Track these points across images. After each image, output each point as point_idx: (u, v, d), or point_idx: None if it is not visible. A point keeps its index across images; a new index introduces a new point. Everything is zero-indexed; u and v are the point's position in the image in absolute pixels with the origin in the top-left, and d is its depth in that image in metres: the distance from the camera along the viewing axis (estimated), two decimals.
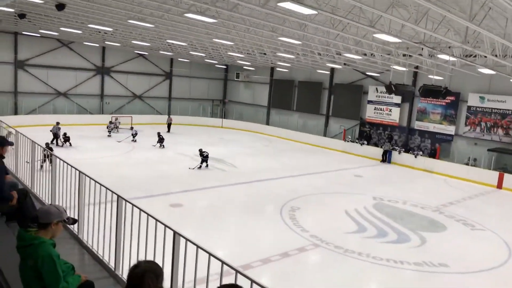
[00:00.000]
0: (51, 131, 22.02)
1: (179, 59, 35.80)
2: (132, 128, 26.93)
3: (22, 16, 16.86)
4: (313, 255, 10.80)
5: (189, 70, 37.63)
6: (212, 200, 14.87)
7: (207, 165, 19.34)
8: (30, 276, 2.96)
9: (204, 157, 19.23)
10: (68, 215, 3.32)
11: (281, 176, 19.03)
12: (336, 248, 10.96)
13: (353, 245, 11.31)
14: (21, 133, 7.13)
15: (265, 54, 24.70)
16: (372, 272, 9.94)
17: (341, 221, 13.31)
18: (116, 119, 29.82)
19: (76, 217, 5.21)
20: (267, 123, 35.47)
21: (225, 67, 39.02)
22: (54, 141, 21.58)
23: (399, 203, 16.06)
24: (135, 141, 24.99)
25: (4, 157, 4.85)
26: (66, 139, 21.99)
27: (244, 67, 36.48)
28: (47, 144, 16.89)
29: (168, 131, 30.14)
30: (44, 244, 2.99)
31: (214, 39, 19.64)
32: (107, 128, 27.58)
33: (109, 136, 26.69)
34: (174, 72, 37.25)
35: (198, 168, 18.95)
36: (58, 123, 22.59)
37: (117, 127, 28.86)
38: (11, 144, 5.25)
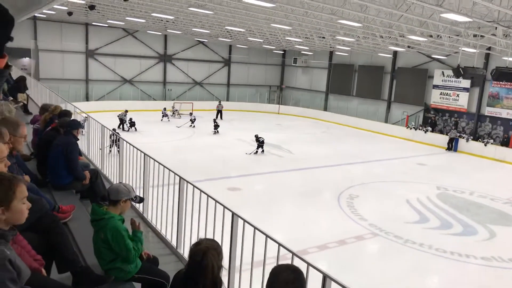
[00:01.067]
0: (118, 116, 23.37)
1: (238, 45, 36.11)
2: (191, 114, 27.71)
3: (92, 7, 17.85)
4: (371, 244, 10.58)
5: (247, 56, 37.86)
6: (269, 185, 15.01)
7: (262, 151, 19.50)
8: (101, 247, 3.20)
9: (260, 143, 19.41)
10: (135, 196, 3.50)
11: (339, 163, 18.71)
12: (395, 238, 10.64)
13: (414, 235, 10.90)
14: (92, 118, 7.63)
15: (323, 38, 24.17)
16: (434, 264, 9.54)
17: (402, 211, 12.86)
18: (173, 106, 30.87)
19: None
20: (325, 109, 34.87)
21: (282, 52, 38.76)
22: (121, 126, 22.88)
23: (466, 193, 15.17)
24: (194, 126, 25.77)
25: (78, 139, 5.23)
26: (132, 124, 23.21)
27: (302, 52, 35.98)
28: (114, 129, 17.79)
29: (217, 117, 30.12)
30: (113, 219, 3.21)
31: (272, 24, 19.54)
32: (163, 113, 28.26)
33: (168, 120, 27.74)
34: (233, 59, 37.67)
35: (254, 153, 19.19)
36: (126, 111, 24.03)
37: (178, 113, 29.94)
38: (83, 127, 5.64)
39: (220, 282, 2.62)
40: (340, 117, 31.72)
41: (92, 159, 7.63)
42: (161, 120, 27.77)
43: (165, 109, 29.02)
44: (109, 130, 7.16)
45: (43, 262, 2.61)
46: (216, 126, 24.50)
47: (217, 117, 30.10)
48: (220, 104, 31.66)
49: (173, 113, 29.72)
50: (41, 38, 28.63)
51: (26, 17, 23.43)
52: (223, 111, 31.02)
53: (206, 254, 2.49)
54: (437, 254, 9.88)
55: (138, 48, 32.89)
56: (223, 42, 34.76)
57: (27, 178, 4.15)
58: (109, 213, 3.21)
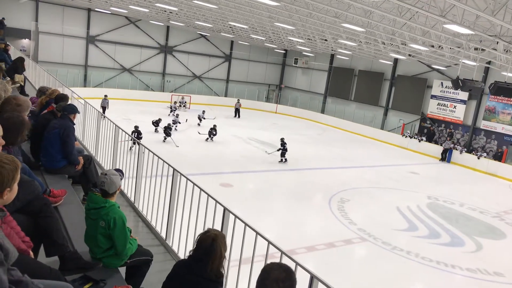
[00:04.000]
0: (101, 105, 22.59)
1: (239, 41, 36.04)
2: (204, 112, 25.48)
3: None
4: (359, 249, 10.63)
5: (248, 53, 37.82)
6: (261, 184, 15.03)
7: (286, 160, 18.02)
8: (100, 234, 3.19)
9: (284, 149, 17.91)
10: (120, 176, 3.47)
11: (333, 166, 18.77)
12: (383, 244, 10.70)
13: (402, 243, 10.97)
14: (89, 104, 7.60)
15: (326, 40, 24.20)
16: (420, 273, 9.62)
17: (392, 218, 12.93)
18: (182, 98, 30.77)
19: (134, 187, 5.52)
20: (322, 112, 34.93)
21: (284, 52, 38.75)
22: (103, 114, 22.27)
23: (456, 205, 15.29)
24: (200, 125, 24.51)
25: (74, 124, 5.20)
26: (157, 123, 21.26)
27: (303, 53, 36.00)
28: (136, 127, 17.10)
29: (235, 116, 30.06)
30: (114, 207, 3.22)
31: (275, 23, 19.53)
32: (172, 107, 27.20)
33: (173, 114, 25.08)
34: (234, 55, 37.61)
35: (280, 160, 18.01)
36: (106, 96, 23.55)
37: (184, 106, 29.85)
38: (79, 112, 5.60)
39: (222, 272, 2.71)
40: (337, 121, 31.80)
41: (86, 145, 7.60)
42: (169, 114, 25.97)
43: (175, 102, 28.82)
44: (108, 119, 7.12)
45: (32, 244, 2.60)
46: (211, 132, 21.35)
47: (235, 115, 29.95)
48: (238, 102, 31.41)
49: (180, 105, 29.60)
50: (42, 20, 28.39)
51: None
52: (240, 109, 30.85)
53: (215, 239, 2.63)
54: (423, 263, 9.95)
55: (140, 37, 32.73)
56: (225, 38, 34.68)
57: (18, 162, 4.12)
58: (109, 202, 3.22)
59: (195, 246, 2.74)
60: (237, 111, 30.74)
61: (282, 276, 2.09)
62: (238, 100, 32.06)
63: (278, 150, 18.33)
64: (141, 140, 15.45)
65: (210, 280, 2.62)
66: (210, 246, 2.61)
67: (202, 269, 2.61)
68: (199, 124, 24.21)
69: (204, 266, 2.61)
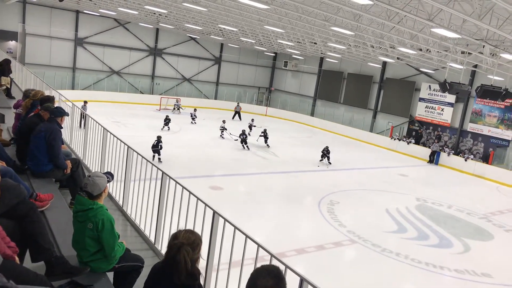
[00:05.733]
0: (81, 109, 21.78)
1: (229, 44, 36.05)
2: (195, 110, 26.96)
3: None
4: (349, 251, 10.67)
5: (238, 56, 37.83)
6: (251, 187, 15.01)
7: (330, 163, 19.39)
8: (87, 237, 3.15)
9: (327, 154, 19.35)
10: (108, 178, 3.43)
11: (322, 169, 18.84)
12: (373, 246, 10.75)
13: (392, 245, 11.04)
14: (77, 107, 7.52)
15: (315, 43, 24.34)
16: (409, 274, 9.69)
17: (381, 220, 13.01)
18: (177, 100, 30.70)
19: (122, 191, 5.46)
20: (312, 114, 35.07)
21: (273, 55, 38.85)
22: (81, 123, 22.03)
23: (444, 206, 15.44)
24: (195, 123, 25.94)
25: (62, 127, 5.13)
26: (167, 122, 22.97)
27: (293, 56, 36.15)
28: (159, 137, 16.42)
29: (233, 118, 29.94)
30: (101, 208, 3.19)
31: (265, 26, 19.58)
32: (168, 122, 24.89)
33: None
34: (223, 58, 37.59)
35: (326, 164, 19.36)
36: (86, 102, 21.47)
37: (179, 108, 29.79)
38: (67, 114, 5.54)
39: (197, 272, 2.68)
40: (327, 123, 31.95)
41: (74, 149, 7.51)
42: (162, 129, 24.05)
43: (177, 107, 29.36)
44: (98, 123, 7.05)
45: (17, 250, 2.55)
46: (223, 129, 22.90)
47: (233, 117, 29.88)
48: (238, 105, 31.77)
49: (175, 108, 29.54)
50: (29, 22, 28.05)
51: (16, 0, 22.99)
52: (241, 112, 31.13)
53: (179, 250, 2.58)
54: (412, 264, 10.02)
55: (129, 39, 32.53)
56: (215, 40, 34.67)
57: (2, 163, 4.06)
58: (97, 203, 3.18)
59: (166, 249, 2.72)
60: (237, 113, 30.96)
61: (270, 284, 1.98)
62: (238, 103, 32.41)
63: (322, 158, 19.37)
64: (161, 150, 16.08)
65: (183, 285, 2.61)
66: (175, 256, 2.58)
67: (173, 275, 2.60)
68: (249, 133, 23.23)
69: (171, 277, 2.60)
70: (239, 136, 20.67)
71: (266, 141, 21.97)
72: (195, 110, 26.97)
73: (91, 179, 3.19)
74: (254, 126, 25.37)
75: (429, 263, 10.20)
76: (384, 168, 21.16)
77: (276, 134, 26.54)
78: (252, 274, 2.05)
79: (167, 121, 23.25)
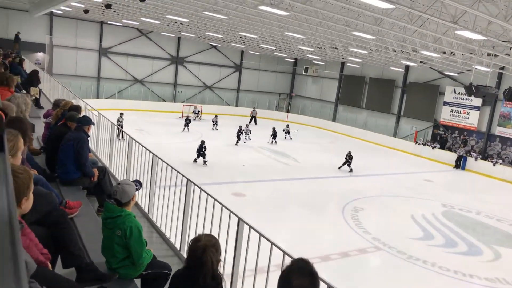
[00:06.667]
0: (118, 124, 21.63)
1: (250, 51, 36.26)
2: (216, 117, 27.61)
3: (108, 6, 18.05)
4: (374, 258, 10.49)
5: (258, 63, 37.99)
6: (274, 193, 14.96)
7: (351, 170, 19.06)
8: (116, 244, 3.21)
9: (350, 160, 19.04)
10: (137, 186, 3.47)
11: (345, 175, 18.64)
12: (398, 253, 10.53)
13: (418, 252, 10.78)
14: (103, 116, 7.68)
15: (336, 48, 24.20)
16: (437, 283, 9.43)
17: (406, 226, 12.75)
18: (195, 108, 31.09)
19: (147, 197, 5.53)
20: (334, 120, 34.80)
21: (294, 60, 38.85)
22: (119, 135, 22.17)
23: (472, 213, 15.01)
24: (217, 129, 26.60)
25: (88, 136, 5.26)
26: (187, 123, 24.25)
27: (314, 61, 36.04)
28: (202, 141, 17.55)
29: (250, 123, 29.98)
30: (130, 216, 3.25)
31: (285, 32, 19.61)
32: (188, 122, 25.88)
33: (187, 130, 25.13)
34: (244, 65, 37.82)
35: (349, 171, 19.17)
36: (122, 114, 21.58)
37: (198, 116, 30.18)
38: (93, 123, 5.66)
39: (218, 275, 2.71)
40: (349, 129, 31.63)
41: (100, 157, 7.66)
42: (182, 131, 25.14)
43: (193, 112, 29.87)
44: (119, 127, 7.19)
45: (50, 256, 2.61)
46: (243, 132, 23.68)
47: (250, 122, 30.10)
48: (254, 110, 32.14)
49: (196, 115, 30.05)
50: (56, 34, 28.97)
51: (43, 13, 23.78)
52: (257, 117, 31.56)
53: (205, 250, 2.60)
54: (440, 272, 9.76)
55: (151, 49, 33.15)
56: (235, 48, 34.93)
57: (34, 171, 4.18)
58: (125, 211, 3.24)
59: (187, 255, 2.73)
60: (253, 118, 31.15)
61: (306, 284, 1.88)
62: (254, 108, 32.54)
63: (344, 164, 19.13)
64: (206, 154, 17.37)
65: None
66: (201, 257, 2.59)
67: (197, 279, 2.61)
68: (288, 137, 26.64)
69: (198, 276, 2.60)
70: (237, 134, 22.18)
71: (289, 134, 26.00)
72: (216, 116, 27.47)
73: (120, 187, 3.25)
74: (290, 131, 26.94)
75: (458, 271, 9.91)
76: (409, 174, 20.76)
77: (297, 140, 26.49)
78: (284, 273, 1.95)
79: (187, 121, 25.06)
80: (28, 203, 2.07)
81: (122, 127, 22.38)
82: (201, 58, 35.48)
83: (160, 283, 3.41)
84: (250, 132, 24.08)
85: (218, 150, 20.75)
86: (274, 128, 24.48)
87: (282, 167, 18.74)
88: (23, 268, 0.53)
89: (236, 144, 22.56)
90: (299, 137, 27.64)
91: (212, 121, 27.02)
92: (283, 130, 26.75)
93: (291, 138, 26.59)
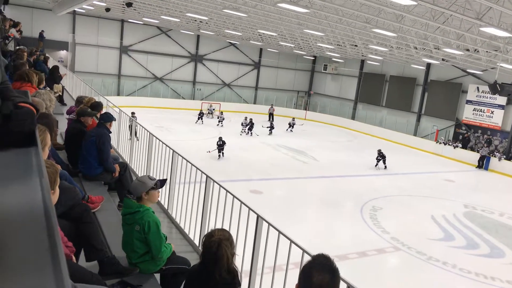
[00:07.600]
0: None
1: (268, 49, 36.18)
2: (222, 113, 28.13)
3: (129, 4, 18.29)
4: (392, 258, 10.37)
5: (277, 60, 37.89)
6: (291, 191, 14.94)
7: (385, 167, 19.53)
8: (135, 239, 3.27)
9: (382, 158, 19.44)
10: (156, 179, 3.49)
11: (364, 173, 18.44)
12: (418, 254, 10.38)
13: (438, 253, 10.61)
14: (124, 112, 7.81)
15: (356, 46, 23.92)
16: (458, 285, 9.26)
17: (426, 227, 12.54)
18: (210, 105, 31.27)
19: (167, 193, 5.60)
20: (353, 118, 34.44)
21: (313, 58, 38.58)
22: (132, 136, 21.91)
23: (495, 214, 14.66)
24: (222, 125, 26.38)
25: (110, 132, 5.35)
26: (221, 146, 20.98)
27: (333, 59, 35.71)
28: (220, 137, 18.31)
29: (269, 120, 30.05)
30: (148, 211, 3.30)
31: (304, 30, 19.50)
32: (201, 115, 27.32)
33: (202, 123, 26.76)
34: (263, 62, 37.77)
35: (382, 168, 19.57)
36: (133, 113, 19.91)
37: (211, 113, 30.33)
38: (115, 119, 5.76)
39: (234, 269, 2.72)
40: (368, 127, 31.26)
41: (121, 153, 7.80)
42: (196, 122, 26.88)
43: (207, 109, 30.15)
44: (142, 126, 7.30)
45: (74, 249, 2.68)
46: (271, 128, 25.70)
47: (269, 119, 30.19)
48: (272, 107, 32.28)
49: (210, 113, 30.26)
50: (78, 32, 29.54)
51: (66, 11, 24.27)
52: (274, 114, 31.72)
53: (220, 245, 2.62)
54: (461, 274, 9.58)
55: (171, 46, 33.44)
56: (254, 45, 34.90)
57: (58, 167, 4.28)
58: (143, 206, 3.29)
59: (202, 251, 2.75)
60: (271, 115, 31.13)
61: (326, 281, 1.83)
62: (272, 105, 32.59)
63: (380, 162, 19.43)
64: (224, 148, 18.10)
65: (223, 284, 2.63)
66: (216, 252, 2.61)
67: (213, 274, 2.62)
68: (291, 130, 27.72)
69: (214, 271, 2.62)
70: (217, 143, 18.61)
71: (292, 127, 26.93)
72: (221, 113, 28.17)
73: (135, 181, 3.32)
74: (294, 124, 27.82)
75: (480, 273, 9.71)
76: (429, 173, 20.40)
77: (315, 138, 26.35)
78: (305, 268, 1.92)
79: (201, 114, 26.49)
80: (54, 197, 2.13)
81: (131, 127, 22.28)
82: (220, 56, 35.61)
83: (179, 279, 3.45)
84: (224, 119, 26.47)
85: (235, 147, 20.81)
86: (251, 119, 24.64)
87: (300, 166, 18.67)
88: (63, 259, 0.55)
89: (241, 135, 23.96)
90: (318, 135, 27.48)
91: (218, 117, 27.39)
92: (288, 123, 27.88)
93: (291, 131, 27.49)
